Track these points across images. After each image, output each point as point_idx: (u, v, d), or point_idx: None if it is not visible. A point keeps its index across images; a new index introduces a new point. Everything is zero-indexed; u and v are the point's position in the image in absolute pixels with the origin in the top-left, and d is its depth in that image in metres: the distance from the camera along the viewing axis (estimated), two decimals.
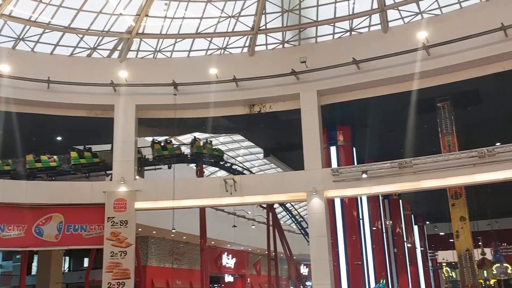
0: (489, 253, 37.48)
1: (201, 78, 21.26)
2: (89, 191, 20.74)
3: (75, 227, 20.49)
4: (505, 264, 31.67)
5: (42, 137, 24.19)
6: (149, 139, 26.29)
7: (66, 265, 35.94)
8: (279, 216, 31.77)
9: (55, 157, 22.59)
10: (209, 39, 22.48)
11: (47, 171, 22.27)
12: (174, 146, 25.17)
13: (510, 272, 31.15)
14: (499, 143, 18.14)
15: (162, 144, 24.47)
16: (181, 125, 23.32)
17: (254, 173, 32.26)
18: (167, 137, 26.29)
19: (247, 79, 21.08)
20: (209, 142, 25.88)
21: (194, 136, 26.01)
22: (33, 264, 31.52)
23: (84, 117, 22.00)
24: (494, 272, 30.90)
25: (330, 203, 22.31)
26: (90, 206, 20.55)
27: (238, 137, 31.91)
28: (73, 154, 22.67)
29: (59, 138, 25.08)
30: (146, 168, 24.96)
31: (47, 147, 23.64)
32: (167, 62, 22.79)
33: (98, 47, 22.24)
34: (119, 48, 22.42)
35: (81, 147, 23.29)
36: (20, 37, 20.98)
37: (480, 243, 35.62)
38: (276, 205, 29.49)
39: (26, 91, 20.49)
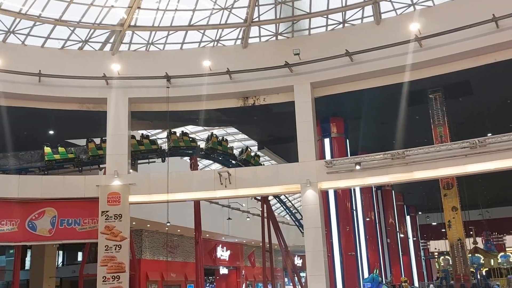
0: (480, 243, 38.02)
1: (194, 70, 21.20)
2: (82, 185, 20.66)
3: (69, 221, 20.44)
4: (477, 255, 32.15)
5: (34, 131, 24.06)
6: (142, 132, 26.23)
7: (60, 259, 35.86)
8: (273, 208, 31.90)
9: (72, 148, 22.81)
10: (202, 31, 22.40)
11: (65, 163, 22.32)
12: (190, 138, 25.26)
13: (483, 262, 31.67)
14: (490, 134, 18.27)
15: (178, 135, 24.51)
16: (175, 118, 23.24)
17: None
18: (183, 128, 26.18)
19: (241, 72, 21.05)
20: (225, 140, 26.05)
21: (212, 132, 26.22)
22: (26, 258, 31.42)
23: (76, 111, 21.87)
24: (499, 260, 31.45)
25: (324, 194, 22.42)
26: (83, 200, 20.50)
27: (232, 129, 31.88)
28: (91, 145, 22.68)
29: (51, 132, 24.93)
30: (139, 161, 24.92)
31: (39, 141, 23.50)
32: (160, 54, 22.69)
33: (90, 40, 22.08)
34: (111, 40, 22.28)
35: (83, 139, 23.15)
36: (11, 30, 20.77)
37: (471, 233, 36.10)
38: (270, 197, 29.57)
39: (17, 84, 20.32)
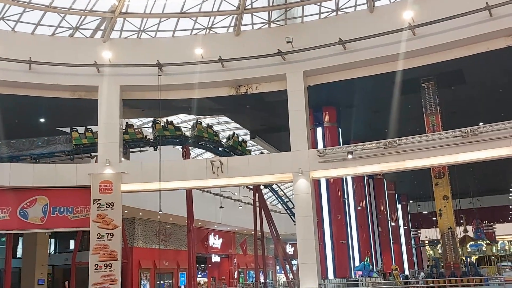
0: (471, 231, 38.47)
1: (186, 58, 21.03)
2: (74, 173, 20.57)
3: (61, 209, 20.38)
4: (479, 242, 32.67)
5: (25, 119, 23.85)
6: (135, 120, 26.06)
7: (52, 247, 35.84)
8: (265, 197, 31.97)
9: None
10: (194, 18, 22.19)
11: (93, 147, 22.41)
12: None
13: (485, 249, 32.18)
14: (482, 123, 18.35)
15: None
16: (166, 106, 23.11)
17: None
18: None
19: (233, 60, 20.92)
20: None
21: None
22: (18, 246, 31.35)
23: (68, 99, 21.67)
24: (469, 250, 31.91)
25: (316, 183, 22.50)
26: (75, 188, 20.43)
27: (224, 118, 31.79)
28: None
29: (42, 120, 24.73)
30: (131, 150, 24.81)
31: (30, 129, 23.33)
32: (152, 42, 22.49)
33: (81, 27, 21.82)
34: (102, 28, 22.03)
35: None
36: (0, 16, 20.45)
37: (462, 221, 36.50)
38: (262, 186, 29.62)
39: (7, 72, 20.07)
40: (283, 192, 33.97)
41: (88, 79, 21.20)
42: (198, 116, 27.43)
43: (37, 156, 22.15)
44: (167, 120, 24.90)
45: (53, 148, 22.49)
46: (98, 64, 21.00)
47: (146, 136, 24.26)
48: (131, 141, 23.38)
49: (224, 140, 26.72)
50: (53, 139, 22.58)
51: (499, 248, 32.58)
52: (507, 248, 33.02)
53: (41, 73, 20.59)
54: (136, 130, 23.80)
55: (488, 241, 34.04)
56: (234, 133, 27.03)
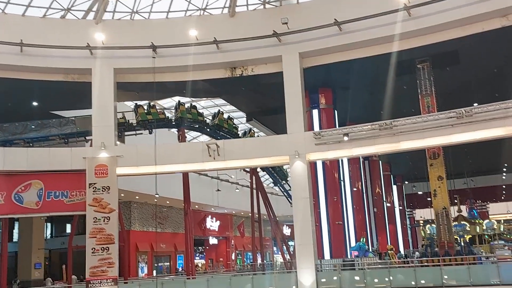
0: (464, 211, 38.85)
1: (181, 40, 20.77)
2: (68, 157, 20.44)
3: (56, 193, 20.32)
4: (462, 222, 33.03)
5: (18, 103, 23.64)
6: (129, 103, 25.88)
7: (48, 232, 35.92)
8: (262, 179, 32.06)
9: (163, 109, 24.24)
10: None
11: (158, 123, 23.82)
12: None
13: (468, 229, 32.57)
14: (477, 104, 18.35)
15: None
16: (161, 89, 22.95)
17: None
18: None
19: (228, 41, 20.70)
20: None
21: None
22: (14, 231, 31.41)
23: (61, 82, 21.45)
24: (484, 227, 32.32)
25: (312, 165, 22.53)
26: (70, 172, 20.34)
27: (220, 101, 31.65)
28: (182, 107, 24.53)
29: (35, 104, 24.52)
30: (126, 133, 24.71)
31: (23, 112, 23.14)
32: (145, 23, 22.18)
33: (72, 8, 21.47)
34: (94, 9, 21.65)
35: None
36: None
37: (456, 201, 36.83)
38: (259, 169, 29.68)
39: None
40: (279, 174, 33.99)
41: (81, 61, 20.95)
42: (193, 99, 27.31)
43: (30, 140, 22.03)
44: (149, 103, 24.91)
45: (47, 132, 22.37)
46: (91, 46, 20.73)
47: (167, 116, 24.61)
48: (154, 122, 23.81)
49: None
50: (46, 122, 22.44)
51: (484, 228, 32.89)
52: (495, 227, 33.38)
53: (33, 56, 20.32)
54: (158, 111, 24.02)
55: (473, 221, 34.36)
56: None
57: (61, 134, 22.83)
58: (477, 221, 35.41)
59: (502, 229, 34.03)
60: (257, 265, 30.51)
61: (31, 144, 21.90)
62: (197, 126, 26.07)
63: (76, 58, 20.85)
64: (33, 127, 22.41)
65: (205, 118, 26.63)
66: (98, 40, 20.76)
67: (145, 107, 24.46)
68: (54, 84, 21.51)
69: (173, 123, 25.22)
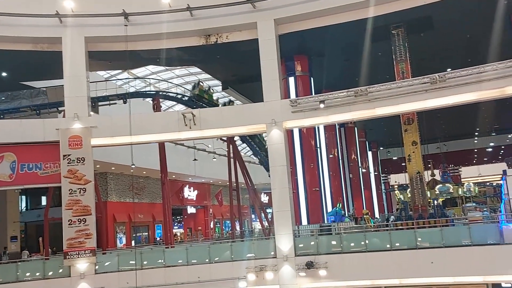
0: (438, 175, 39.83)
1: (153, 7, 20.26)
2: (41, 128, 20.02)
3: (29, 165, 19.96)
4: (447, 185, 34.02)
5: None
6: (102, 73, 25.30)
7: (24, 204, 35.47)
8: (239, 148, 32.10)
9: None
10: None
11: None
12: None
13: (452, 191, 33.60)
14: (450, 69, 18.56)
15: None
16: (134, 57, 22.47)
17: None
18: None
19: (201, 8, 20.27)
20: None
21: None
22: None
23: (31, 51, 20.76)
24: (437, 192, 33.25)
25: (289, 133, 22.62)
26: (43, 144, 19.96)
27: (195, 69, 31.24)
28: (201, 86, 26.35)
29: (4, 74, 23.76)
30: (100, 103, 24.27)
31: None
32: None
33: None
34: None
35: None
36: None
37: (430, 166, 37.69)
38: (236, 138, 29.67)
39: None
40: (256, 143, 34.08)
41: (51, 30, 20.28)
42: (167, 68, 26.87)
43: (1, 112, 21.47)
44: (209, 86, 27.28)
45: (17, 104, 21.81)
46: (60, 14, 20.03)
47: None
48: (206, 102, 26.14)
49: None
50: (17, 94, 21.85)
51: (465, 190, 34.09)
52: (472, 189, 34.52)
53: (0, 25, 19.55)
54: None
55: (454, 184, 35.41)
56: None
57: (32, 106, 22.31)
58: (452, 184, 36.36)
59: (476, 192, 35.13)
60: (236, 233, 30.84)
61: (1, 116, 21.35)
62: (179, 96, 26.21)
63: (45, 27, 20.17)
64: (3, 98, 21.81)
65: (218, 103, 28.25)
66: (67, 7, 20.06)
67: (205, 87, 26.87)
68: (24, 54, 20.85)
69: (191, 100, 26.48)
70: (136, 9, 20.31)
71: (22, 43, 20.46)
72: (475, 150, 56.61)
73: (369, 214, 29.13)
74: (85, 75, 20.58)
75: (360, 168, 41.22)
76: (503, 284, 18.39)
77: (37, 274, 19.29)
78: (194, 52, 22.94)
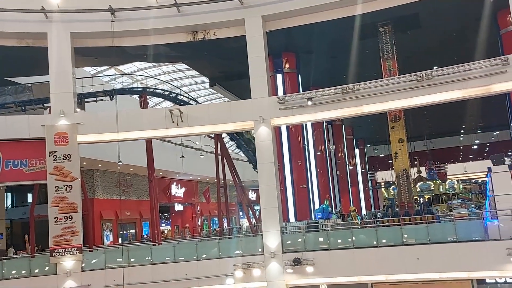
0: (424, 172, 40.22)
1: (140, 3, 20.10)
2: (26, 125, 19.78)
3: (15, 162, 19.71)
4: (428, 182, 34.38)
5: None
6: (88, 69, 25.05)
7: (9, 201, 35.06)
8: (227, 145, 32.05)
9: None
10: None
11: None
12: None
13: (433, 188, 33.98)
14: (436, 67, 18.72)
15: None
16: (121, 54, 22.28)
17: (200, 103, 31.92)
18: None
19: (189, 4, 20.16)
20: None
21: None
22: None
23: (15, 47, 20.48)
24: (418, 189, 33.60)
25: (276, 130, 22.64)
26: (29, 140, 19.72)
27: (182, 66, 31.09)
28: None
29: None
30: (86, 100, 24.05)
31: None
32: None
33: None
34: None
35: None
36: None
37: (416, 163, 38.04)
38: (224, 135, 29.62)
39: None
40: (244, 140, 34.08)
41: (36, 25, 20.02)
42: (154, 64, 26.71)
43: None
44: None
45: (2, 100, 21.52)
46: (45, 9, 19.78)
47: None
48: None
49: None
50: (1, 90, 21.56)
51: (447, 187, 34.43)
52: (455, 186, 34.94)
53: None
54: None
55: (436, 181, 35.76)
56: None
57: (17, 102, 22.02)
58: (437, 181, 36.78)
59: (461, 188, 35.54)
60: (224, 230, 30.83)
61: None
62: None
63: (30, 22, 19.90)
64: None
65: None
66: (53, 2, 19.82)
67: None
68: (8, 50, 20.54)
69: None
70: (123, 5, 20.13)
71: (7, 39, 20.18)
72: (461, 148, 57.22)
73: (356, 211, 29.33)
74: (71, 71, 20.35)
75: (347, 165, 41.43)
76: (488, 280, 18.62)
77: (23, 271, 19.09)
78: (181, 48, 22.83)
